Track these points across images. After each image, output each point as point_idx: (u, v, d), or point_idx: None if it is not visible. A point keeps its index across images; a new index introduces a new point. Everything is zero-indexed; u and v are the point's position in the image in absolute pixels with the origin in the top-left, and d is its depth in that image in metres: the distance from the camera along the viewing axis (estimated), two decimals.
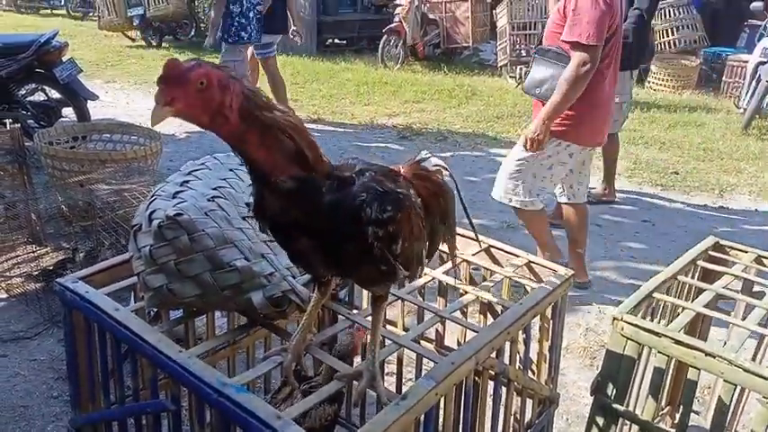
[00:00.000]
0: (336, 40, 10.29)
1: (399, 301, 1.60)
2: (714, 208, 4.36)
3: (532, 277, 1.66)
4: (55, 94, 4.68)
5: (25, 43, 4.41)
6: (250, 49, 5.31)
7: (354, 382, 1.26)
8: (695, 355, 1.32)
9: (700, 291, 1.62)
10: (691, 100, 7.36)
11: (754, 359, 1.80)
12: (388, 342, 1.37)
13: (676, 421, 1.88)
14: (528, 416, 1.62)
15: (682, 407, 1.63)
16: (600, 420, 1.47)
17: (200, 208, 1.33)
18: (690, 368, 1.44)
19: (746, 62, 6.88)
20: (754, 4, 7.63)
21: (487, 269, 1.68)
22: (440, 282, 1.65)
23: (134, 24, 9.54)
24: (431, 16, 9.03)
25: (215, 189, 1.42)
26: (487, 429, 1.50)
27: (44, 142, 3.51)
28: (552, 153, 2.75)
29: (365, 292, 1.75)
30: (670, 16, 8.12)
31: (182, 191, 1.39)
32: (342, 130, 5.84)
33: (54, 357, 2.42)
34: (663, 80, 7.84)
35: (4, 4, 13.39)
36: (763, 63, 6.19)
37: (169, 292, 1.29)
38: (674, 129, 6.13)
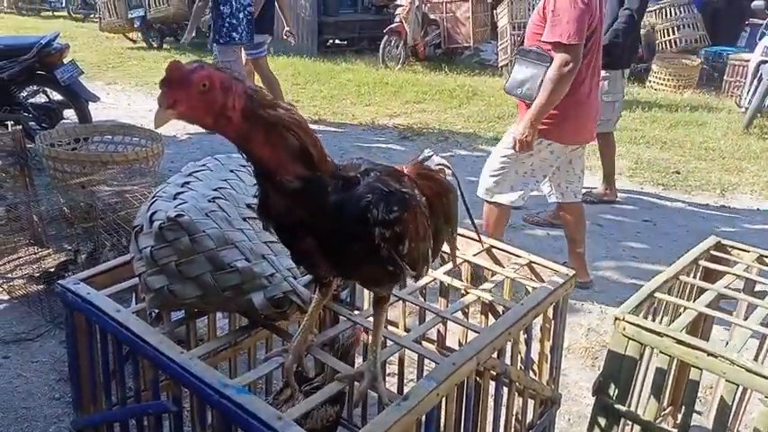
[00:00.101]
0: (337, 41, 10.29)
1: (400, 301, 1.60)
2: (716, 207, 4.36)
3: (534, 277, 1.66)
4: (56, 96, 4.69)
5: (26, 45, 4.43)
6: (243, 53, 5.35)
7: (356, 383, 1.26)
8: (697, 355, 1.31)
9: (701, 290, 1.62)
10: (692, 99, 7.35)
11: (756, 359, 1.79)
12: (389, 343, 1.37)
13: (678, 421, 1.88)
14: (529, 416, 1.62)
15: (684, 407, 1.63)
16: (602, 421, 1.47)
17: (200, 209, 1.33)
18: (692, 368, 1.43)
19: (748, 61, 6.87)
20: (755, 3, 7.63)
21: (489, 269, 1.68)
22: (441, 282, 1.65)
23: (135, 26, 9.56)
24: (431, 16, 9.03)
25: (216, 190, 1.42)
26: (489, 430, 1.49)
27: (45, 144, 3.52)
28: (534, 151, 2.76)
29: (366, 292, 1.75)
30: (671, 15, 8.12)
31: (182, 192, 1.39)
32: (343, 130, 5.84)
33: (56, 359, 2.42)
34: (664, 79, 7.84)
35: (5, 5, 13.42)
36: (764, 62, 6.18)
37: (170, 294, 1.29)
38: (676, 128, 6.12)
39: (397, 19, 8.76)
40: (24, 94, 4.68)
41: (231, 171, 1.51)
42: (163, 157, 3.63)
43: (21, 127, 3.32)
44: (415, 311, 1.79)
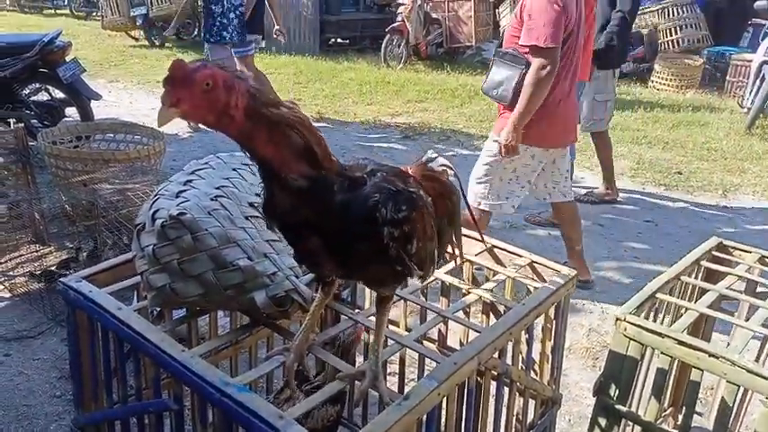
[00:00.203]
0: (339, 40, 10.29)
1: (402, 301, 1.60)
2: (718, 208, 4.35)
3: (535, 277, 1.66)
4: (58, 94, 4.69)
5: (29, 43, 4.43)
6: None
7: (357, 382, 1.26)
8: (698, 356, 1.31)
9: (703, 291, 1.61)
10: (694, 99, 7.34)
11: (757, 360, 1.79)
12: (390, 342, 1.37)
13: (679, 422, 1.88)
14: (530, 416, 1.62)
15: (685, 408, 1.63)
16: (602, 421, 1.47)
17: (203, 207, 1.33)
18: (693, 369, 1.43)
19: (750, 61, 6.86)
20: (757, 3, 7.62)
21: (490, 269, 1.68)
22: (442, 282, 1.65)
23: (137, 24, 9.55)
24: (434, 15, 9.02)
25: (218, 188, 1.42)
26: (490, 430, 1.49)
27: (48, 142, 3.52)
28: (516, 157, 2.76)
29: (367, 291, 1.75)
30: (673, 15, 8.11)
31: (185, 190, 1.40)
32: (344, 129, 5.84)
33: (57, 356, 2.43)
34: (666, 79, 7.83)
35: (7, 3, 13.43)
36: (766, 62, 6.17)
37: (172, 292, 1.30)
38: (678, 128, 6.11)
39: (399, 18, 8.75)
40: (26, 91, 4.68)
41: (233, 169, 1.51)
42: (165, 155, 3.63)
43: (23, 125, 3.33)
44: (416, 311, 1.79)
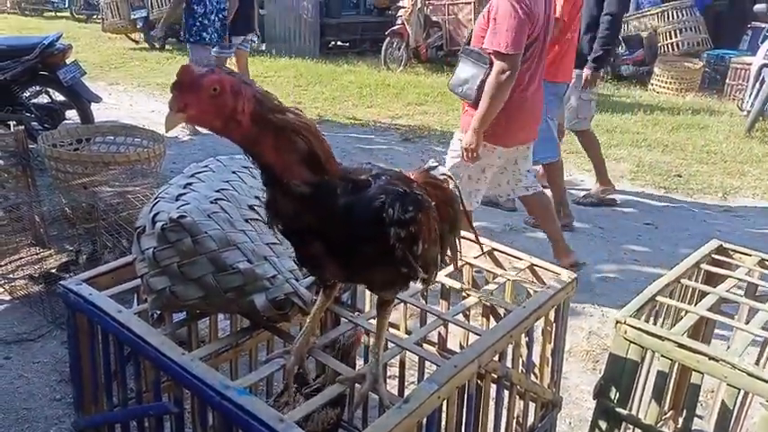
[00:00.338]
0: (339, 43, 10.30)
1: (402, 303, 1.60)
2: (718, 211, 4.36)
3: (535, 280, 1.66)
4: (59, 97, 4.69)
5: (29, 46, 4.44)
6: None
7: (357, 385, 1.26)
8: (698, 359, 1.31)
9: (703, 294, 1.61)
10: (694, 102, 7.35)
11: (757, 363, 1.79)
12: (390, 345, 1.37)
13: (679, 425, 1.88)
14: (530, 419, 1.62)
15: (685, 411, 1.63)
16: (603, 424, 1.47)
17: (203, 210, 1.33)
18: (693, 372, 1.43)
19: (750, 64, 6.87)
20: (757, 6, 7.63)
21: (490, 272, 1.68)
22: (442, 285, 1.65)
23: (137, 27, 9.58)
24: (433, 18, 9.04)
25: (218, 191, 1.42)
26: None
27: (48, 144, 3.52)
28: (482, 155, 2.80)
29: (367, 294, 1.75)
30: (673, 18, 8.13)
31: (185, 193, 1.40)
32: (344, 132, 5.85)
33: (57, 359, 2.42)
34: (666, 82, 7.84)
35: (7, 6, 13.45)
36: (766, 65, 6.18)
37: (172, 295, 1.30)
38: (678, 131, 6.12)
39: (399, 21, 8.77)
40: (27, 94, 4.68)
41: (233, 172, 1.51)
42: (165, 158, 3.63)
43: (23, 127, 3.32)
44: (416, 314, 1.79)
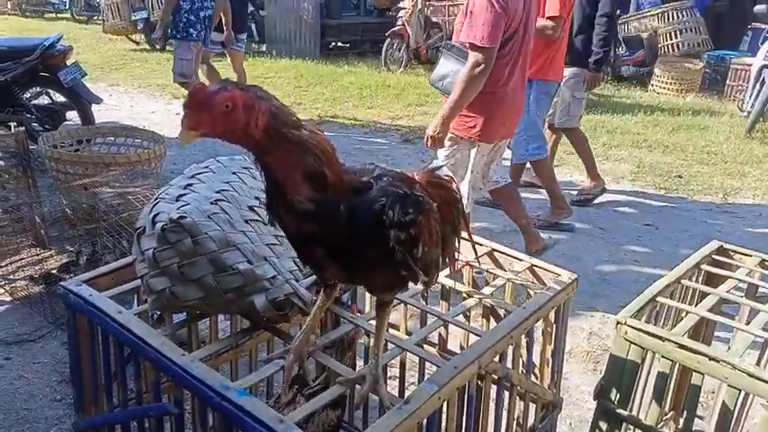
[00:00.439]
0: (340, 44, 10.31)
1: (402, 304, 1.60)
2: (718, 211, 4.35)
3: (535, 281, 1.65)
4: (59, 98, 4.69)
5: (30, 47, 4.44)
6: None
7: (357, 386, 1.26)
8: (699, 360, 1.31)
9: (704, 295, 1.61)
10: (694, 103, 7.35)
11: (758, 364, 1.79)
12: (390, 346, 1.37)
13: (680, 426, 1.87)
14: (531, 420, 1.62)
15: (685, 412, 1.63)
16: (603, 425, 1.47)
17: (203, 211, 1.33)
18: (693, 373, 1.43)
19: (750, 65, 6.87)
20: (757, 7, 7.63)
21: (491, 273, 1.68)
22: (442, 285, 1.65)
23: (138, 28, 9.58)
24: (434, 19, 9.04)
25: (218, 192, 1.42)
26: None
27: (48, 145, 3.52)
28: (468, 154, 2.84)
29: (368, 294, 1.75)
30: (673, 19, 8.13)
31: (185, 194, 1.40)
32: (345, 133, 5.85)
33: (57, 360, 2.43)
34: (666, 83, 7.84)
35: (8, 7, 13.46)
36: (766, 66, 6.17)
37: (172, 296, 1.30)
38: (678, 132, 6.12)
39: (399, 22, 8.77)
40: (27, 95, 4.68)
41: (234, 173, 1.51)
42: (165, 158, 3.64)
43: (24, 128, 3.33)
44: (416, 314, 1.79)
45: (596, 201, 4.37)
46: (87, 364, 1.43)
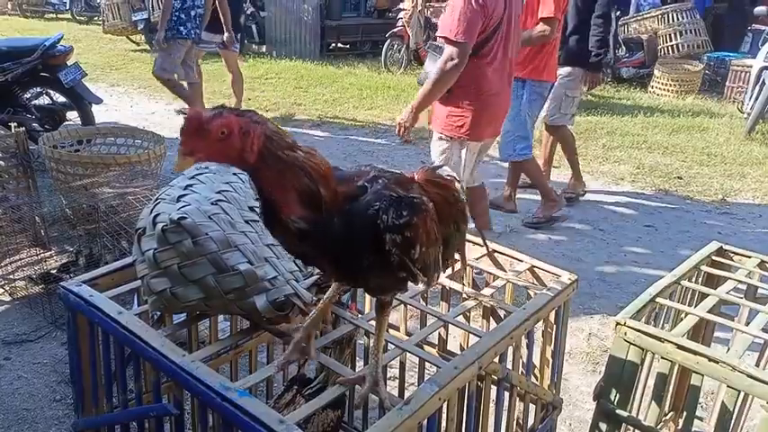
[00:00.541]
0: (340, 45, 10.31)
1: (402, 305, 1.60)
2: (718, 213, 4.36)
3: (535, 282, 1.66)
4: (60, 98, 4.70)
5: (30, 47, 4.44)
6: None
7: (357, 387, 1.26)
8: (698, 361, 1.31)
9: (703, 296, 1.61)
10: (694, 104, 7.35)
11: (757, 365, 1.79)
12: (390, 346, 1.37)
13: (679, 427, 1.87)
14: (531, 421, 1.62)
15: (685, 413, 1.63)
16: (603, 426, 1.47)
17: (203, 212, 1.33)
18: (693, 374, 1.43)
19: (750, 67, 6.87)
20: (757, 9, 7.64)
21: (491, 273, 1.68)
22: (442, 286, 1.65)
23: (138, 28, 9.58)
24: (434, 20, 9.01)
25: (219, 193, 1.42)
26: None
27: (49, 146, 3.52)
28: (459, 154, 2.86)
29: (368, 295, 1.75)
30: (673, 21, 8.13)
31: (185, 194, 1.40)
32: (345, 134, 5.85)
33: (57, 360, 2.43)
34: (666, 85, 7.84)
35: (9, 7, 13.46)
36: (766, 68, 6.18)
37: (172, 296, 1.30)
38: (678, 133, 6.12)
39: (399, 23, 8.77)
40: (28, 95, 4.69)
41: (234, 174, 1.52)
42: (165, 159, 3.64)
43: (24, 129, 3.32)
44: (416, 315, 1.79)
45: (591, 199, 4.38)
46: (87, 365, 1.43)
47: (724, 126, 6.38)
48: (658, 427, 1.48)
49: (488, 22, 2.65)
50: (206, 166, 1.54)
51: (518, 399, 1.53)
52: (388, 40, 8.68)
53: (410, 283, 1.53)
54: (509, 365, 1.48)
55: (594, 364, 2.58)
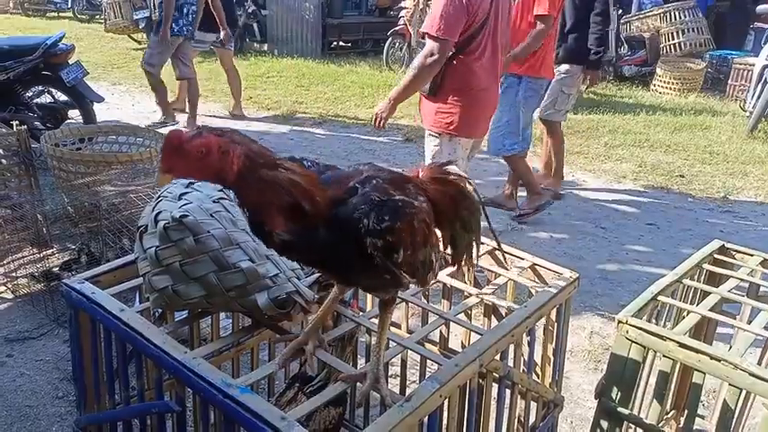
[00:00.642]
0: (341, 43, 10.31)
1: (404, 303, 1.60)
2: (720, 211, 4.35)
3: (537, 280, 1.66)
4: (61, 97, 4.70)
5: (32, 46, 4.44)
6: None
7: (358, 384, 1.26)
8: (700, 359, 1.31)
9: (705, 294, 1.61)
10: (696, 103, 7.34)
11: (759, 363, 1.79)
12: (392, 344, 1.37)
13: (681, 425, 1.88)
14: (532, 419, 1.62)
15: (687, 411, 1.63)
16: (604, 424, 1.47)
17: (205, 209, 1.34)
18: (695, 372, 1.43)
19: (753, 65, 6.85)
20: (760, 7, 7.61)
21: (492, 271, 1.68)
22: (444, 284, 1.65)
23: (140, 27, 9.57)
24: None
25: (220, 191, 1.42)
26: None
27: (50, 144, 3.52)
28: (450, 151, 2.87)
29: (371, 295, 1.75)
30: (675, 19, 8.12)
31: (187, 192, 1.40)
32: (347, 132, 5.85)
33: (59, 357, 2.43)
34: (668, 83, 7.83)
35: (10, 6, 13.46)
36: None
37: (174, 294, 1.30)
38: (680, 132, 6.11)
39: (401, 21, 8.75)
40: (29, 94, 4.69)
41: None
42: None
43: (26, 127, 3.33)
44: (417, 313, 1.79)
45: (593, 197, 4.38)
46: (89, 362, 1.44)
47: (726, 124, 6.37)
48: (660, 425, 1.48)
49: (473, 19, 2.66)
50: None
51: (519, 396, 1.53)
52: (390, 39, 8.67)
53: (411, 283, 1.54)
54: (510, 363, 1.48)
55: (596, 363, 2.58)
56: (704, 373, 1.36)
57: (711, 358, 1.30)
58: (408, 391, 1.31)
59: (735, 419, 1.77)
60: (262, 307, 1.29)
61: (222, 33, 5.64)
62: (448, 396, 1.21)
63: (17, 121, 3.35)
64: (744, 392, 1.51)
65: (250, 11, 9.36)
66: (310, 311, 1.32)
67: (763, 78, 6.11)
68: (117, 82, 7.43)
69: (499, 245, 1.59)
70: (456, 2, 2.58)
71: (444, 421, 1.30)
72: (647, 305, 1.49)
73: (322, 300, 1.37)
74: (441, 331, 1.72)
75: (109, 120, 5.26)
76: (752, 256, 1.79)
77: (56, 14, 13.30)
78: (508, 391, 1.50)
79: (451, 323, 1.56)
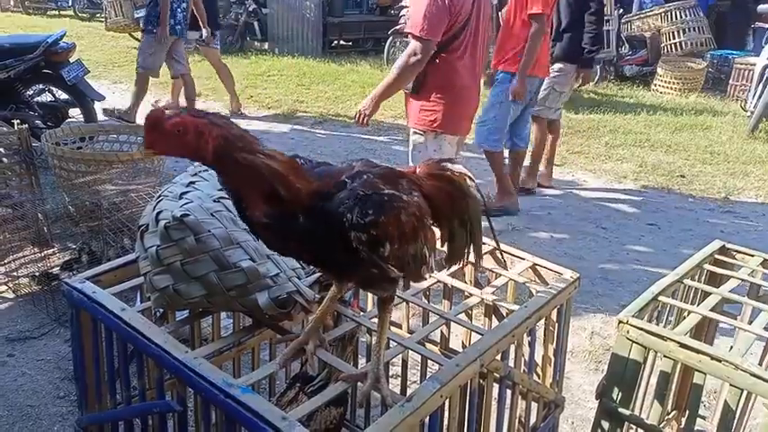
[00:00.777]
0: (342, 42, 10.30)
1: (404, 303, 1.60)
2: (720, 211, 4.35)
3: (537, 280, 1.66)
4: (62, 95, 4.70)
5: (33, 44, 4.45)
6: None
7: (359, 384, 1.26)
8: (701, 359, 1.31)
9: (706, 294, 1.61)
10: (697, 103, 7.34)
11: (760, 364, 1.79)
12: (392, 344, 1.37)
13: (682, 426, 1.87)
14: (533, 419, 1.62)
15: (688, 411, 1.63)
16: (605, 424, 1.47)
17: (206, 209, 1.34)
18: (696, 372, 1.43)
19: (754, 65, 6.85)
20: (761, 7, 7.61)
21: (493, 271, 1.68)
22: (444, 284, 1.65)
23: (141, 25, 9.57)
24: None
25: (221, 190, 1.42)
26: None
27: (51, 143, 3.53)
28: (436, 147, 2.88)
29: (370, 293, 1.75)
30: (676, 19, 8.12)
31: (188, 191, 1.40)
32: (347, 131, 5.85)
33: (60, 357, 2.43)
34: (669, 83, 7.82)
35: (11, 4, 13.46)
36: None
37: (175, 293, 1.30)
38: (681, 132, 6.11)
39: (402, 20, 8.74)
40: (30, 92, 4.69)
41: None
42: (167, 157, 3.64)
43: (26, 126, 3.33)
44: (418, 313, 1.79)
45: (594, 197, 4.38)
46: (90, 362, 1.44)
47: (727, 124, 6.37)
48: (661, 425, 1.48)
49: (456, 19, 2.69)
50: None
51: (520, 397, 1.53)
52: (391, 38, 8.64)
53: (412, 282, 1.54)
54: (511, 363, 1.48)
55: (597, 363, 2.58)
56: (705, 374, 1.36)
57: (712, 359, 1.30)
58: (409, 392, 1.31)
59: (736, 420, 1.77)
60: (262, 306, 1.29)
61: (204, 32, 5.71)
62: (449, 396, 1.21)
63: (18, 120, 3.35)
64: (745, 393, 1.51)
65: (251, 9, 9.36)
66: (311, 311, 1.32)
67: (764, 78, 6.11)
68: (118, 80, 7.44)
69: (498, 245, 1.59)
70: (439, 2, 2.60)
71: (445, 421, 1.30)
72: (647, 305, 1.49)
73: (323, 300, 1.37)
74: (441, 331, 1.72)
75: (110, 118, 5.26)
76: (752, 256, 1.79)
77: (57, 13, 13.29)
78: (509, 392, 1.50)
79: (452, 323, 1.56)
